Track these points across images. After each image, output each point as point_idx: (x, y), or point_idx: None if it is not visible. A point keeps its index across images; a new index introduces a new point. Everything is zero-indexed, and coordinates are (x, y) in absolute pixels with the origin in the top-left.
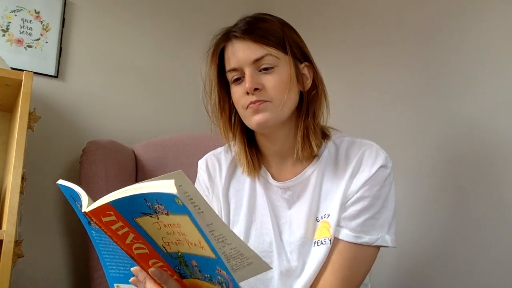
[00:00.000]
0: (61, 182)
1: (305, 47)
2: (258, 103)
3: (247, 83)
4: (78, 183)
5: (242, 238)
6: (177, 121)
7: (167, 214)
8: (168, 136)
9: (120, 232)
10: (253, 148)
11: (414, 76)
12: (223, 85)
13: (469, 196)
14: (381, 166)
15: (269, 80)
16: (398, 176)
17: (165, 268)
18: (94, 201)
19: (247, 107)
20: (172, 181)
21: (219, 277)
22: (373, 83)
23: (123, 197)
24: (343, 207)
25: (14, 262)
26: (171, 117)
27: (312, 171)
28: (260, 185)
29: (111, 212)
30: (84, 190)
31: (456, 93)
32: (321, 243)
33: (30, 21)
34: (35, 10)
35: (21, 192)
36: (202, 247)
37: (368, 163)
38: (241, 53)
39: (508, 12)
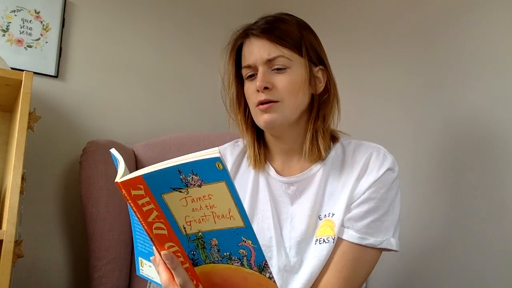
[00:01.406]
0: (113, 151)
1: (322, 50)
2: (267, 104)
3: (258, 81)
4: (78, 183)
5: None
6: (177, 121)
7: (200, 186)
8: (168, 136)
9: (145, 209)
10: (261, 143)
11: (414, 76)
12: (240, 80)
13: (469, 195)
14: (388, 169)
15: (280, 80)
16: (400, 175)
17: (178, 254)
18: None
19: (257, 105)
20: (215, 149)
21: (241, 250)
22: (374, 83)
23: (156, 170)
24: (349, 207)
25: (14, 262)
26: (171, 117)
27: (317, 169)
28: (263, 180)
29: (141, 186)
30: (85, 190)
31: (457, 93)
32: (324, 241)
33: (30, 21)
34: (35, 10)
35: (21, 192)
36: (231, 217)
37: (376, 166)
38: (256, 51)
39: (508, 12)
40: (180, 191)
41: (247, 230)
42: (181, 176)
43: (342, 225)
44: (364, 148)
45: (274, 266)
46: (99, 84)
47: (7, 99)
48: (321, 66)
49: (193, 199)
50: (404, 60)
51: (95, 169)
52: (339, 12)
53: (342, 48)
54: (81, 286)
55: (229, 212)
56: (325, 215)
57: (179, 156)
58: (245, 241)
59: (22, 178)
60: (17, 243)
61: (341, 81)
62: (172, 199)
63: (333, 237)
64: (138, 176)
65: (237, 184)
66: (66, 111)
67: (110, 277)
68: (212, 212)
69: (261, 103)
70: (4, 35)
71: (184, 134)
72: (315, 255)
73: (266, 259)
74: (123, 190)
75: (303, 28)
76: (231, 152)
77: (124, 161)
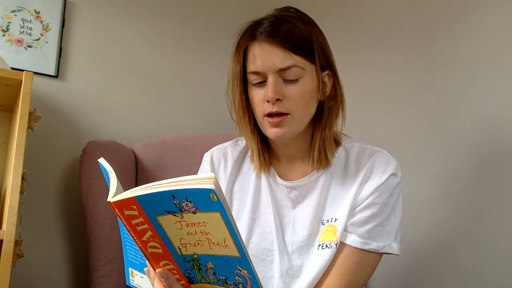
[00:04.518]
0: (101, 161)
1: (331, 53)
2: (277, 118)
3: (269, 92)
4: (78, 183)
5: (244, 235)
6: (177, 121)
7: (194, 213)
8: (168, 136)
9: (139, 228)
10: (264, 146)
11: (417, 77)
12: (245, 82)
13: (472, 197)
14: (392, 174)
15: (292, 91)
16: (403, 177)
17: (174, 271)
18: (125, 190)
19: (266, 115)
20: (212, 175)
21: (236, 277)
22: (376, 85)
23: (150, 193)
24: (352, 212)
25: (14, 262)
26: (171, 117)
27: (320, 174)
28: (266, 183)
29: (134, 207)
30: (85, 190)
31: (460, 94)
32: (326, 246)
33: (30, 21)
34: (35, 10)
35: (21, 192)
36: (226, 246)
37: (379, 171)
38: (267, 58)
39: (509, 12)
40: (175, 215)
41: (243, 261)
42: (175, 201)
43: (345, 230)
44: (368, 153)
45: (275, 270)
46: (99, 84)
47: (7, 99)
48: (328, 71)
49: (187, 224)
50: (407, 61)
51: (95, 169)
52: (340, 14)
53: (344, 49)
54: (81, 286)
55: (224, 241)
56: (328, 220)
57: (178, 155)
58: (241, 270)
59: (22, 178)
60: (17, 243)
61: (344, 83)
62: (167, 221)
63: (335, 243)
64: (131, 197)
65: (239, 186)
66: (66, 111)
67: (110, 277)
68: (207, 238)
69: (271, 115)
70: (4, 35)
71: (184, 134)
72: (318, 260)
73: (267, 262)
74: (116, 210)
75: (312, 27)
76: (231, 152)
77: (124, 161)
